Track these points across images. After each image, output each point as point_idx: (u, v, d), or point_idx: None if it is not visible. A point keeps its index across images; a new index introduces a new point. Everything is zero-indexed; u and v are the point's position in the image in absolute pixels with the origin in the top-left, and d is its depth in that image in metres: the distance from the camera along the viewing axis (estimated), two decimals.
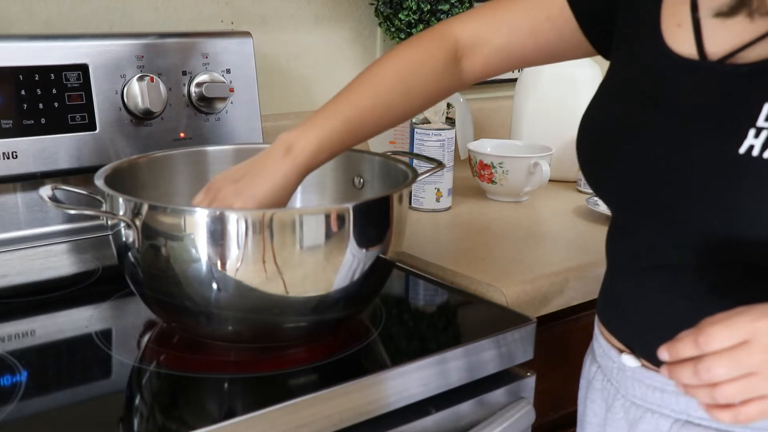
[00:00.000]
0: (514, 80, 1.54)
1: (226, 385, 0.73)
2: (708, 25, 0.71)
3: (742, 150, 0.65)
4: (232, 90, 1.17)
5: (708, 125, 0.68)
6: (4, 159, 1.01)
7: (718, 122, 0.68)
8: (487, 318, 0.89)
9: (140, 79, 1.09)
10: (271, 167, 0.77)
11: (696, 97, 0.70)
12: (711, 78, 0.69)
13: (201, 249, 0.72)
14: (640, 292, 0.76)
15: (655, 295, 0.74)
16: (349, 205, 0.75)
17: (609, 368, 0.81)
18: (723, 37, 0.69)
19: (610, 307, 0.81)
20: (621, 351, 0.79)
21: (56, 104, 1.04)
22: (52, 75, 1.04)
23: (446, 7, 1.37)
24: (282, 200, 0.78)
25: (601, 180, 0.78)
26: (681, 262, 0.72)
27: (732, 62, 0.68)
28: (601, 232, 1.16)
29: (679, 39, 0.72)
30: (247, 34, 1.21)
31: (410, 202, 1.26)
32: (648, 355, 0.76)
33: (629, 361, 0.77)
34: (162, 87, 1.11)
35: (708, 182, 0.67)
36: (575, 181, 1.44)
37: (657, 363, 0.72)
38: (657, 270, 0.74)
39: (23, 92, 1.02)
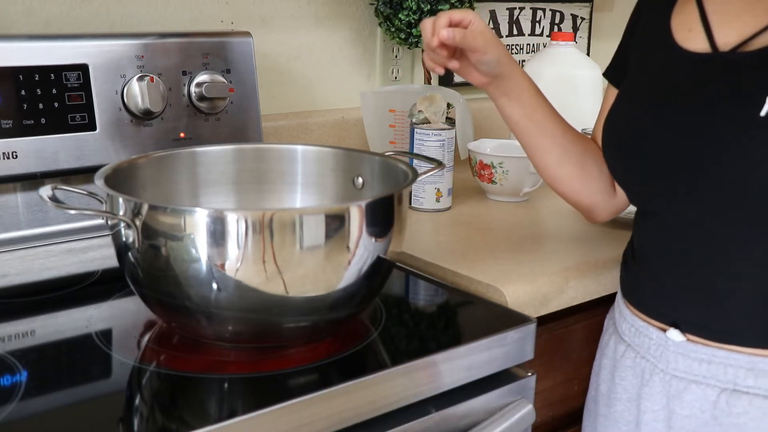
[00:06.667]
0: None
1: (226, 385, 0.73)
2: (717, 24, 0.81)
3: (763, 113, 0.72)
4: (232, 90, 1.17)
5: (725, 104, 0.76)
6: (4, 159, 1.01)
7: (735, 97, 0.76)
8: (487, 318, 0.89)
9: (140, 79, 1.09)
10: None
11: (711, 83, 0.79)
12: (724, 64, 0.79)
13: (201, 249, 0.72)
14: (686, 273, 0.84)
15: (702, 273, 0.83)
16: (349, 205, 0.75)
17: (644, 345, 0.89)
18: (731, 32, 0.79)
19: (649, 291, 0.89)
20: (663, 329, 0.87)
21: (56, 104, 1.04)
22: (52, 75, 1.04)
23: (446, 7, 1.37)
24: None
25: (630, 178, 0.90)
26: (722, 237, 0.80)
27: (742, 50, 0.77)
28: (601, 232, 1.17)
29: (691, 41, 0.83)
30: (247, 34, 1.21)
31: (410, 202, 1.26)
32: (695, 329, 0.84)
33: (676, 335, 0.85)
34: (162, 87, 1.11)
35: (726, 149, 0.76)
36: None
37: (705, 336, 0.83)
38: (698, 250, 0.82)
39: (23, 92, 1.02)
